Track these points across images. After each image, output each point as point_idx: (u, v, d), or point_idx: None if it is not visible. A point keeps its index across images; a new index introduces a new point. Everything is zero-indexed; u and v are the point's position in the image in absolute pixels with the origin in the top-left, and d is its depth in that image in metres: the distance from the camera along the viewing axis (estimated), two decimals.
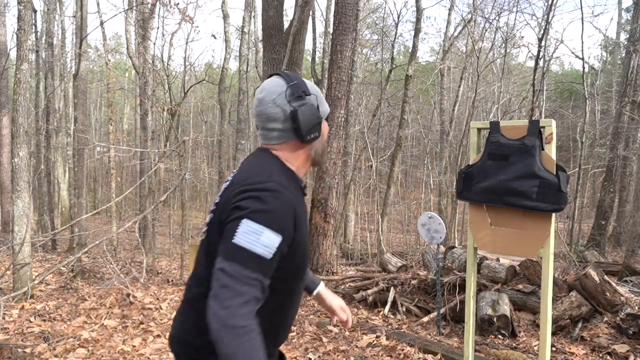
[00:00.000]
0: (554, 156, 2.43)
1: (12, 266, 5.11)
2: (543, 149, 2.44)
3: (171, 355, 3.49)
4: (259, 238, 1.07)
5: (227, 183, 1.24)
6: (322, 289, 1.56)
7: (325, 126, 1.33)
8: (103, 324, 4.08)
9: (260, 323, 1.08)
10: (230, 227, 1.10)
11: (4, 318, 4.20)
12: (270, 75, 1.29)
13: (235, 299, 1.03)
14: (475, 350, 3.45)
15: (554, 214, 2.44)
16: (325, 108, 1.31)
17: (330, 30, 10.87)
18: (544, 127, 2.45)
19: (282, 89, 1.22)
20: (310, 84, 1.29)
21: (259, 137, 1.32)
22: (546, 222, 2.44)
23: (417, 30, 9.31)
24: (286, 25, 7.71)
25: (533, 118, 8.01)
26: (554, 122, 2.45)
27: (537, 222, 2.47)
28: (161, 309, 4.53)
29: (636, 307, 3.64)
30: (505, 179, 2.49)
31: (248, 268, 1.06)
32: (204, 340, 1.14)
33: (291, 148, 1.27)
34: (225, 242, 1.10)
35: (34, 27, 10.40)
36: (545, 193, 2.38)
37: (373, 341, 3.80)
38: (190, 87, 10.79)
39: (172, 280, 6.72)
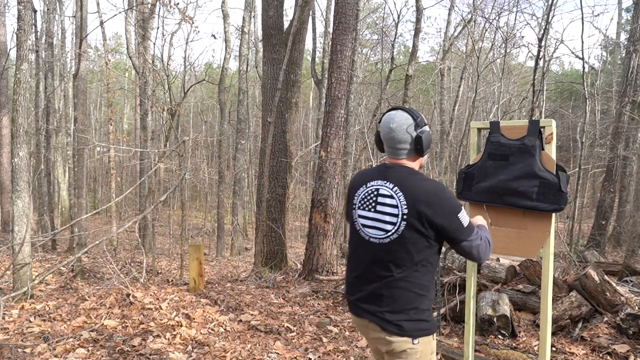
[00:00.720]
0: (554, 156, 2.43)
1: (12, 266, 5.11)
2: (543, 149, 2.44)
3: (171, 355, 3.48)
4: (465, 214, 1.74)
5: (401, 195, 1.73)
6: None
7: None
8: (103, 324, 4.08)
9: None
10: (456, 222, 1.70)
11: (4, 318, 4.20)
12: (394, 109, 1.83)
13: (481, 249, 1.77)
14: (475, 350, 3.45)
15: (554, 214, 2.44)
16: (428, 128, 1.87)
17: (330, 30, 10.87)
18: (544, 127, 2.45)
19: (410, 121, 1.77)
20: (423, 116, 1.83)
21: (387, 154, 1.86)
22: (546, 222, 2.44)
23: (417, 30, 9.31)
24: (286, 25, 7.72)
25: (533, 118, 8.01)
26: (554, 122, 2.44)
27: (537, 222, 2.47)
28: (161, 309, 4.53)
29: (636, 307, 3.64)
30: (506, 178, 2.49)
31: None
32: (413, 301, 1.76)
33: (412, 160, 1.83)
34: (460, 230, 1.70)
35: (34, 27, 10.40)
36: (546, 193, 2.38)
37: None
38: (190, 87, 10.78)
39: (172, 280, 6.72)
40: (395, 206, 1.72)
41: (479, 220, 2.05)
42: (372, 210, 1.78)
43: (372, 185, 1.81)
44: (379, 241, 1.76)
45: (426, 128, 1.79)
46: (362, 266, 1.84)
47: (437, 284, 4.14)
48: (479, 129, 2.75)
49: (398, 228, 1.71)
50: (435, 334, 1.87)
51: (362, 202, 1.83)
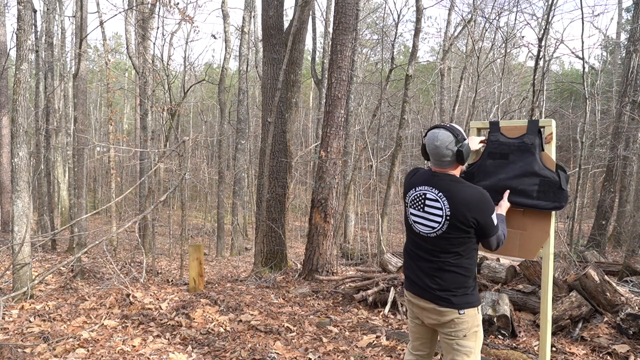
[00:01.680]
0: (553, 156, 2.43)
1: (12, 266, 5.11)
2: (543, 149, 2.44)
3: (171, 355, 3.48)
4: (495, 216, 2.13)
5: (445, 200, 2.07)
6: None
7: None
8: (103, 324, 4.08)
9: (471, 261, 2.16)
10: (490, 222, 2.08)
11: (3, 318, 4.20)
12: (437, 127, 2.14)
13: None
14: None
15: (554, 213, 2.44)
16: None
17: (330, 30, 10.86)
18: (543, 127, 2.45)
19: (452, 139, 2.09)
20: (462, 132, 2.14)
21: (432, 164, 2.20)
22: (546, 222, 2.44)
23: (417, 30, 9.30)
24: (286, 25, 7.71)
25: (533, 118, 8.01)
26: (553, 122, 2.44)
27: (537, 222, 2.47)
28: (161, 309, 4.53)
29: (636, 307, 3.64)
30: (506, 177, 2.49)
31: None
32: (460, 281, 2.12)
33: (454, 168, 2.17)
34: (490, 229, 2.10)
35: (33, 27, 10.39)
36: (546, 191, 2.38)
37: (373, 341, 3.80)
38: (190, 87, 10.77)
39: (172, 280, 6.72)
40: (440, 209, 2.08)
41: (502, 208, 2.41)
42: (421, 210, 2.16)
43: (420, 190, 2.18)
44: (427, 235, 2.15)
45: (466, 142, 2.12)
46: (416, 254, 2.25)
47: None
48: (479, 129, 2.75)
49: (442, 226, 2.08)
50: (479, 308, 2.17)
51: (413, 202, 2.21)
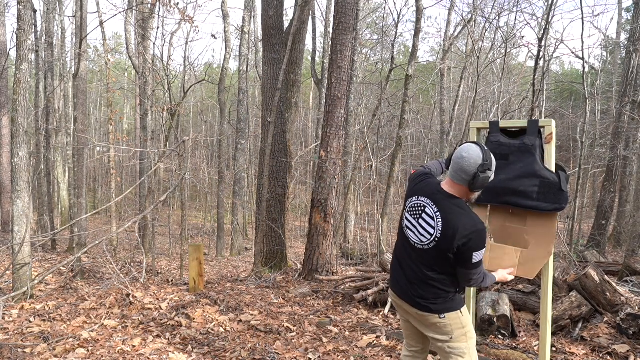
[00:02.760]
0: (553, 156, 2.43)
1: (12, 266, 5.11)
2: (543, 150, 2.44)
3: (171, 355, 3.48)
4: (481, 254, 2.03)
5: (440, 221, 2.03)
6: None
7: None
8: (103, 324, 4.08)
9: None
10: (469, 256, 2.00)
11: (3, 318, 4.19)
12: (475, 143, 2.06)
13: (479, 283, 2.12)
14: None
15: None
16: (492, 178, 2.09)
17: (330, 30, 10.85)
18: (543, 127, 2.44)
19: (480, 161, 1.99)
20: (494, 161, 2.06)
21: (448, 174, 2.14)
22: (548, 241, 2.40)
23: (417, 30, 9.29)
24: (286, 25, 7.71)
25: (533, 118, 8.00)
26: (553, 122, 2.43)
27: (540, 241, 2.42)
28: (161, 309, 4.53)
29: (636, 307, 3.64)
30: (506, 178, 2.48)
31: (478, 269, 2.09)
32: (440, 297, 2.11)
33: (461, 190, 2.08)
34: (467, 263, 2.02)
35: (33, 27, 10.39)
36: (546, 192, 2.37)
37: (373, 341, 3.80)
38: (190, 87, 10.77)
39: (172, 280, 6.72)
40: (433, 227, 2.06)
41: (498, 274, 2.33)
42: (416, 220, 2.14)
43: (422, 201, 2.14)
44: (415, 244, 2.14)
45: (489, 173, 2.03)
46: (402, 257, 2.26)
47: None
48: (479, 129, 2.74)
49: (430, 244, 2.07)
50: (462, 310, 2.15)
51: (411, 209, 2.19)
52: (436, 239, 2.04)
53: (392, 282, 2.33)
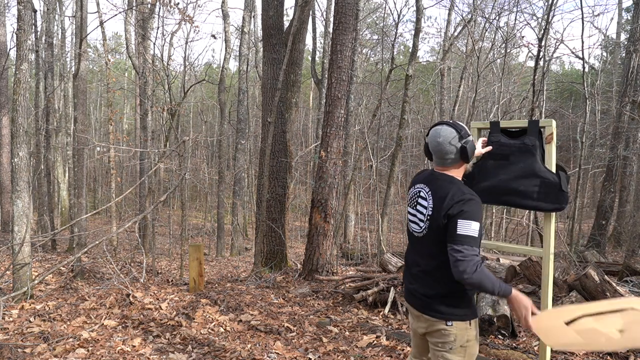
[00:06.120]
0: (554, 156, 2.43)
1: (12, 266, 5.11)
2: (543, 150, 2.44)
3: (171, 355, 3.48)
4: (470, 227, 1.82)
5: (431, 199, 1.96)
6: None
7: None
8: (103, 324, 4.08)
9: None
10: (453, 224, 1.83)
11: (3, 318, 4.19)
12: (440, 124, 2.01)
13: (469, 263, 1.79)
14: None
15: (553, 214, 2.43)
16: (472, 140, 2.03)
17: (330, 30, 10.85)
18: (544, 127, 2.45)
19: (454, 134, 1.96)
20: (466, 128, 2.01)
21: (434, 163, 2.07)
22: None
23: (417, 30, 9.30)
24: (286, 25, 7.71)
25: (533, 118, 8.01)
26: (554, 122, 2.43)
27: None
28: (161, 309, 4.53)
29: None
30: (507, 178, 2.47)
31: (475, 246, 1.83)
32: (446, 289, 1.96)
33: (457, 167, 2.04)
34: (452, 234, 1.83)
35: (34, 27, 10.39)
36: (547, 193, 2.37)
37: (373, 341, 3.80)
38: (190, 87, 10.77)
39: (172, 280, 6.72)
40: (426, 207, 1.99)
41: (516, 297, 1.84)
42: (414, 208, 2.08)
43: (417, 188, 2.10)
44: (417, 235, 2.06)
45: (470, 138, 2.00)
46: (410, 253, 2.19)
47: None
48: (479, 129, 2.74)
49: (426, 226, 1.98)
50: (472, 322, 1.96)
51: (410, 200, 2.14)
52: (429, 217, 1.95)
53: (405, 290, 2.22)
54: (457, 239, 1.81)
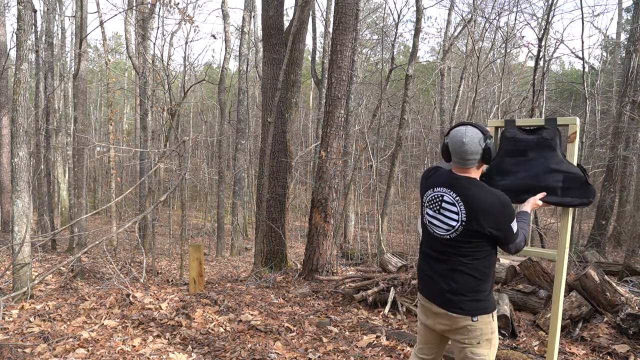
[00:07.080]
0: (576, 155, 2.30)
1: (12, 266, 5.11)
2: (561, 146, 2.30)
3: (171, 355, 3.48)
4: (515, 223, 2.02)
5: (462, 205, 2.01)
6: None
7: None
8: (103, 324, 4.08)
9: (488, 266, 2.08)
10: (507, 230, 1.99)
11: (3, 318, 4.19)
12: (463, 124, 2.06)
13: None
14: None
15: (570, 211, 2.31)
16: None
17: (330, 30, 10.86)
18: (567, 125, 2.30)
19: (480, 135, 2.00)
20: (489, 131, 2.08)
21: (453, 164, 2.11)
22: None
23: (418, 30, 9.30)
24: (286, 25, 7.71)
25: (533, 118, 7.98)
26: (577, 120, 2.29)
27: None
28: (161, 309, 4.53)
29: (636, 307, 3.64)
30: (526, 175, 2.35)
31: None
32: (472, 285, 2.05)
33: (478, 168, 2.09)
34: (508, 237, 2.00)
35: (33, 27, 10.40)
36: (571, 187, 2.25)
37: (373, 341, 3.80)
38: (190, 87, 10.77)
39: (172, 280, 6.72)
40: (457, 213, 2.03)
41: (528, 205, 2.26)
42: (437, 212, 2.10)
43: (438, 191, 2.11)
44: (441, 236, 2.09)
45: (491, 141, 2.06)
46: (428, 254, 2.20)
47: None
48: (497, 127, 2.56)
49: (457, 229, 2.03)
50: (494, 314, 2.07)
51: (430, 203, 2.16)
52: (463, 223, 2.00)
53: (420, 285, 2.25)
54: (513, 238, 2.02)
